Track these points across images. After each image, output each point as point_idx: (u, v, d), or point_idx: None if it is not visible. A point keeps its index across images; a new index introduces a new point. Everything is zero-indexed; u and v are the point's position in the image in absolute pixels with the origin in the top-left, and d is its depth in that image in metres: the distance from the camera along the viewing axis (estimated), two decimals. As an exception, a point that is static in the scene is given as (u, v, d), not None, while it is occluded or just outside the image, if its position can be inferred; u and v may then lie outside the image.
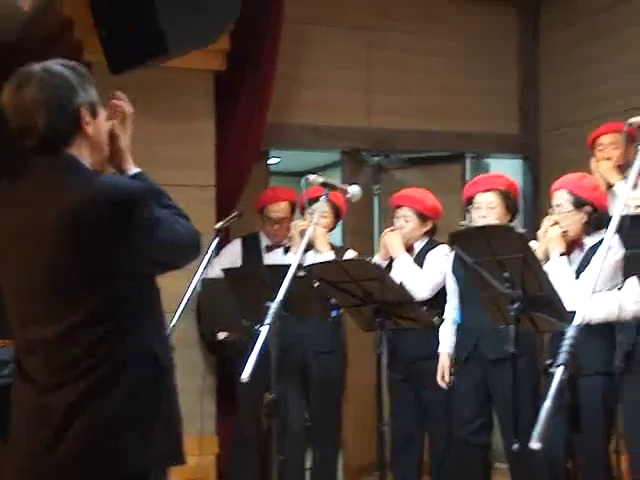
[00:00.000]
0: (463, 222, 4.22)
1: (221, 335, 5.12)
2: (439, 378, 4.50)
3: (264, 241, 5.28)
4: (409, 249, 4.74)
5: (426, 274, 4.62)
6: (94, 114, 2.26)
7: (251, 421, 4.86)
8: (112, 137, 2.34)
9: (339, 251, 4.96)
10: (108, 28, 4.87)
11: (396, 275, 4.51)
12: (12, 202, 2.25)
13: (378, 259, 4.80)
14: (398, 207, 4.79)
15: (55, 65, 2.24)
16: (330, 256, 4.77)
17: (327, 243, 4.87)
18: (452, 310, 4.54)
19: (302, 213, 5.01)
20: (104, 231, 2.13)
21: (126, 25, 4.77)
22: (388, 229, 4.76)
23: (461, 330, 4.46)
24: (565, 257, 3.94)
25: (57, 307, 2.18)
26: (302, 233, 4.81)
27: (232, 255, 5.21)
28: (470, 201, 4.45)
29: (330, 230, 5.08)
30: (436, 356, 4.55)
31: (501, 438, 4.46)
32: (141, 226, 2.17)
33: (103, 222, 2.13)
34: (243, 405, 5.04)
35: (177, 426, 2.31)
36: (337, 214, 5.03)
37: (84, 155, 2.24)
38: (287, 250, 5.12)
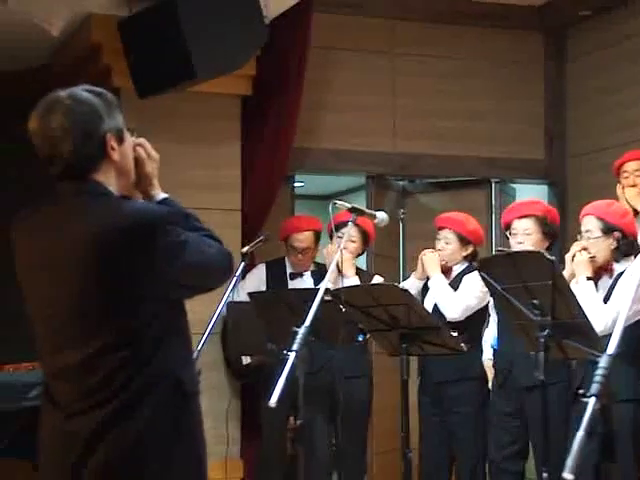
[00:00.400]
0: (500, 248, 4.21)
1: (245, 359, 5.12)
2: (489, 375, 4.49)
3: (289, 268, 5.28)
4: (447, 271, 4.75)
5: (459, 296, 4.61)
6: (120, 140, 2.27)
7: (275, 446, 4.84)
8: (138, 162, 2.34)
9: (366, 276, 4.96)
10: (136, 53, 4.92)
11: (430, 295, 4.52)
12: (39, 229, 2.26)
13: (414, 278, 4.79)
14: (440, 229, 4.80)
15: (82, 92, 2.25)
16: (356, 281, 4.77)
17: (353, 267, 4.87)
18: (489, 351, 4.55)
19: (330, 237, 5.02)
20: (127, 258, 2.14)
21: (154, 50, 4.82)
22: (428, 249, 4.76)
23: (496, 355, 4.45)
24: (592, 282, 3.92)
25: (80, 334, 2.18)
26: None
27: (257, 280, 5.21)
28: (508, 227, 4.44)
29: (358, 255, 5.09)
30: (465, 379, 4.55)
31: (534, 466, 4.42)
32: (165, 251, 2.16)
33: (125, 249, 2.14)
34: (268, 430, 5.03)
35: (200, 454, 2.28)
36: (366, 239, 5.04)
37: (111, 181, 2.25)
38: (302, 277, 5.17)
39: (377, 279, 4.92)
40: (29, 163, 5.99)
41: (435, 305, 4.65)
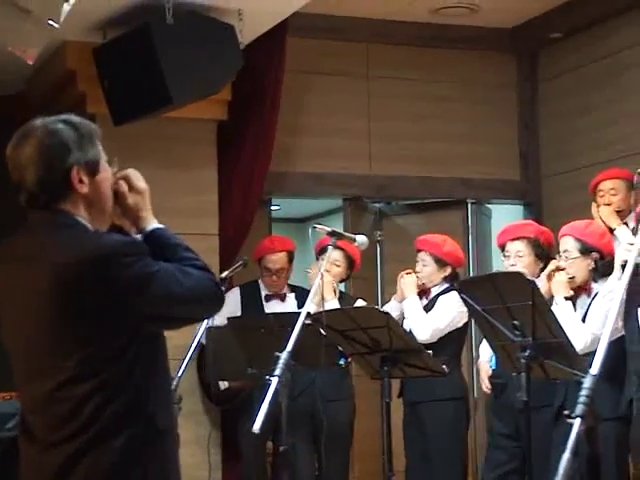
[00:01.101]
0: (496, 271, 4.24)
1: (223, 384, 5.09)
2: (483, 385, 4.51)
3: (263, 290, 5.27)
4: (426, 292, 4.77)
5: (430, 318, 4.63)
6: (93, 172, 2.22)
7: (256, 471, 4.81)
8: (119, 195, 2.31)
9: (348, 300, 4.96)
10: (111, 80, 4.92)
11: (407, 319, 4.55)
12: (9, 259, 2.25)
13: (395, 301, 4.81)
14: (419, 251, 4.83)
15: (56, 122, 2.22)
16: (335, 304, 4.77)
17: (333, 291, 4.87)
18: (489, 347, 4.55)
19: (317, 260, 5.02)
20: (84, 291, 2.11)
21: (129, 76, 4.82)
22: (404, 271, 4.79)
23: (493, 375, 4.46)
24: (570, 302, 3.94)
25: (46, 366, 2.16)
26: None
27: (232, 304, 5.17)
28: (503, 249, 4.47)
29: (343, 280, 5.10)
30: (438, 399, 4.56)
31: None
32: (128, 283, 2.12)
33: (82, 282, 2.11)
34: (248, 455, 5.00)
35: None
36: (351, 264, 5.05)
37: (80, 212, 2.22)
38: (284, 299, 5.18)
39: (360, 303, 4.94)
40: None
41: (411, 330, 4.67)
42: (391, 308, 4.72)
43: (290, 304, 5.20)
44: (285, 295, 5.26)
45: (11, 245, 2.27)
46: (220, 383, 5.08)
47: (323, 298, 4.53)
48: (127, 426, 2.13)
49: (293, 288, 5.33)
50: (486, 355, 4.62)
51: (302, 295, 5.19)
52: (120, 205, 2.32)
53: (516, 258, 4.37)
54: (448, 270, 4.80)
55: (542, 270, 4.29)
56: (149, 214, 2.33)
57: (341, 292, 5.03)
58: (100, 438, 2.12)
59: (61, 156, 2.18)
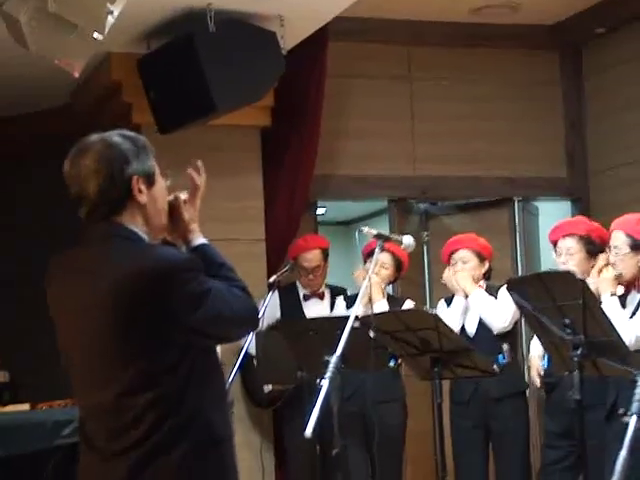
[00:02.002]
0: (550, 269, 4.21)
1: (267, 387, 5.12)
2: (534, 378, 4.48)
3: (301, 290, 5.28)
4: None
5: (503, 305, 4.59)
6: (149, 183, 2.28)
7: (307, 475, 4.82)
8: (173, 208, 2.36)
9: (396, 302, 4.96)
10: (156, 90, 4.97)
11: (473, 310, 4.52)
12: (67, 274, 2.29)
13: (459, 297, 4.73)
14: (453, 252, 4.79)
15: (113, 135, 2.29)
16: (384, 305, 4.77)
17: (382, 293, 4.87)
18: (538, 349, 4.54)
19: (365, 263, 5.02)
20: (143, 305, 2.15)
21: (173, 86, 4.87)
22: (451, 270, 4.74)
23: (545, 374, 4.44)
24: (616, 298, 3.89)
25: (106, 376, 2.20)
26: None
27: (271, 307, 5.18)
28: (555, 246, 4.43)
29: (391, 282, 5.09)
30: (503, 396, 4.53)
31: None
32: (183, 300, 2.16)
33: (142, 296, 2.15)
34: (296, 459, 5.03)
35: None
36: (399, 267, 5.04)
37: (138, 223, 2.27)
38: (322, 298, 5.21)
39: (408, 303, 4.93)
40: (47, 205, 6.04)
41: (481, 320, 4.64)
42: (457, 304, 4.70)
43: (324, 304, 5.22)
44: (323, 293, 5.28)
45: (70, 257, 2.31)
46: (265, 386, 5.11)
47: (371, 300, 4.54)
48: (187, 436, 2.16)
49: (330, 287, 5.36)
50: (538, 350, 4.58)
51: (338, 294, 5.22)
52: (173, 218, 2.36)
53: (567, 255, 4.32)
54: (487, 265, 4.79)
55: (593, 267, 4.25)
56: (197, 228, 2.38)
57: (389, 294, 5.02)
58: (161, 449, 2.15)
59: (120, 166, 2.23)
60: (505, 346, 4.60)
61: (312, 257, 5.19)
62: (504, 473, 4.71)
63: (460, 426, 4.73)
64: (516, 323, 4.73)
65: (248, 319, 2.31)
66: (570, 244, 4.32)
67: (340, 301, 5.09)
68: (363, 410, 4.69)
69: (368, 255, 4.91)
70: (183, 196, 2.37)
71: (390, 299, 4.97)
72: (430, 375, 3.86)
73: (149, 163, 2.29)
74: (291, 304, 5.23)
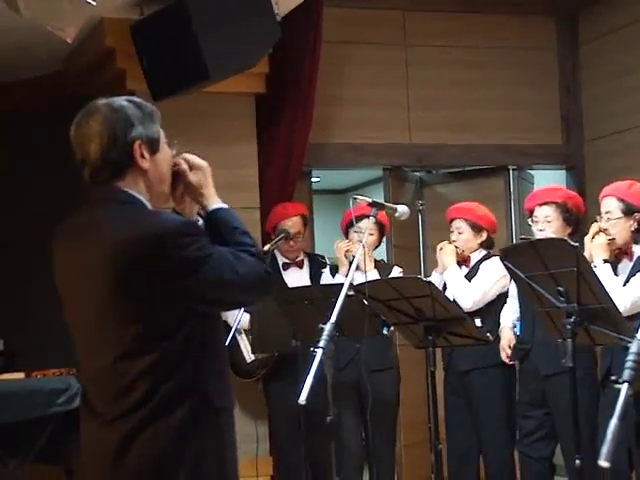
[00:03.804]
0: (523, 236, 4.21)
1: (249, 357, 5.12)
2: (502, 353, 4.49)
3: (280, 259, 5.28)
4: (466, 260, 4.76)
5: (473, 286, 4.62)
6: (153, 150, 2.27)
7: (294, 443, 4.84)
8: (180, 174, 2.33)
9: (385, 267, 4.96)
10: (149, 56, 4.93)
11: (449, 288, 4.54)
12: (71, 237, 2.29)
13: (436, 273, 4.80)
14: (452, 220, 4.82)
15: (119, 100, 2.28)
16: (374, 274, 4.77)
17: (371, 261, 4.87)
18: (511, 314, 4.53)
19: (346, 233, 5.02)
20: (140, 270, 2.14)
21: (167, 52, 4.83)
22: (442, 243, 4.78)
23: (517, 342, 4.46)
24: (609, 265, 3.90)
25: (105, 340, 2.21)
26: (346, 253, 4.83)
27: None
28: (531, 214, 4.44)
29: (376, 247, 5.09)
30: (489, 366, 4.55)
31: (561, 452, 4.42)
32: (179, 264, 2.15)
33: (138, 261, 2.14)
34: (279, 425, 5.07)
35: (227, 469, 2.26)
36: (382, 231, 5.05)
37: (140, 189, 2.26)
38: (301, 266, 5.19)
39: (396, 269, 4.95)
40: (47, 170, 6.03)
41: (454, 299, 4.66)
42: (433, 281, 4.71)
43: (303, 272, 5.20)
44: (303, 261, 5.27)
45: (73, 222, 2.31)
46: (246, 355, 5.11)
47: (361, 268, 4.54)
48: (182, 404, 2.17)
49: (309, 255, 5.36)
50: (509, 321, 4.59)
51: (316, 261, 5.22)
52: (182, 184, 2.34)
53: (545, 223, 4.35)
54: (484, 235, 4.80)
55: (571, 235, 4.27)
56: (212, 192, 2.35)
57: (376, 260, 5.02)
58: (156, 415, 2.15)
59: (124, 129, 2.22)
60: (477, 321, 4.57)
61: (292, 224, 5.17)
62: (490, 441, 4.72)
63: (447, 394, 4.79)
64: (500, 298, 4.71)
65: (256, 283, 2.27)
66: (548, 212, 4.35)
67: (326, 274, 5.07)
68: (358, 378, 4.71)
69: (347, 226, 4.92)
70: (184, 165, 2.35)
71: (379, 265, 4.97)
72: (424, 343, 3.87)
73: (154, 129, 2.28)
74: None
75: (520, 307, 4.49)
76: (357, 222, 4.70)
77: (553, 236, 4.22)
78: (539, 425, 4.39)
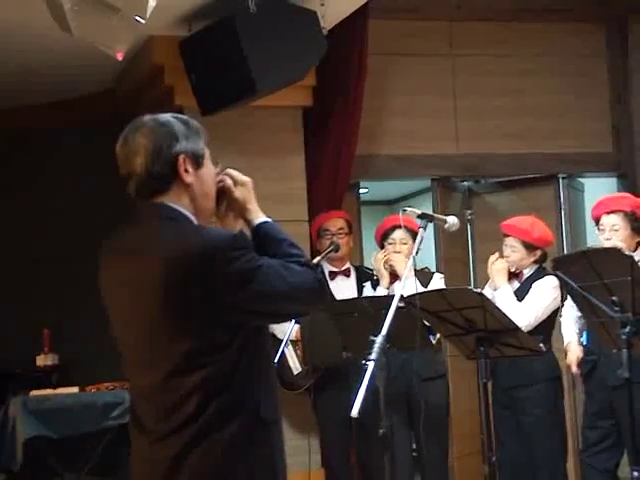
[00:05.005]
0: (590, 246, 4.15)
1: (296, 369, 5.12)
2: (572, 367, 4.43)
3: (326, 268, 5.27)
4: (517, 275, 4.70)
5: (524, 309, 4.55)
6: (197, 165, 2.27)
7: (344, 455, 4.83)
8: (225, 190, 2.34)
9: (425, 275, 4.92)
10: (197, 72, 4.98)
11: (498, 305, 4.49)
12: (117, 252, 2.30)
13: (488, 288, 4.74)
14: (506, 236, 4.74)
15: (165, 116, 2.30)
16: (412, 282, 4.71)
17: (410, 269, 4.82)
18: (573, 324, 4.47)
19: (381, 245, 4.99)
20: (190, 286, 2.14)
21: (215, 68, 4.88)
22: (494, 257, 4.71)
23: (585, 352, 4.39)
24: None
25: (155, 356, 2.21)
26: (384, 264, 4.81)
27: None
28: (598, 222, 4.38)
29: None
30: (536, 382, 4.51)
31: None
32: (229, 277, 2.14)
33: (188, 277, 2.14)
34: (329, 437, 5.06)
35: None
36: (415, 239, 5.00)
37: (185, 204, 2.26)
38: (348, 275, 5.19)
39: (437, 276, 4.91)
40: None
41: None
42: (485, 294, 4.67)
43: (350, 281, 5.19)
44: (349, 270, 5.25)
45: (119, 237, 2.32)
46: (292, 367, 5.11)
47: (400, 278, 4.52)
48: (233, 419, 2.16)
49: (356, 268, 5.35)
50: (573, 336, 4.52)
51: (363, 273, 5.20)
52: (227, 200, 2.35)
53: (612, 232, 4.27)
54: (538, 254, 4.71)
55: (639, 244, 4.19)
56: (256, 207, 2.36)
57: (416, 269, 4.99)
58: (207, 431, 2.15)
59: (169, 143, 2.23)
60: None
61: (335, 222, 5.22)
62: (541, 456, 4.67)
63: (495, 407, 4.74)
64: (555, 312, 4.65)
65: (308, 293, 2.25)
66: (615, 220, 4.27)
67: (367, 288, 5.06)
68: (407, 389, 4.69)
69: (383, 237, 4.90)
70: (229, 181, 2.37)
71: (419, 273, 4.94)
72: (476, 354, 3.84)
73: (199, 145, 2.29)
74: None
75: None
76: (391, 234, 4.69)
77: (621, 245, 4.14)
78: (605, 435, 4.32)
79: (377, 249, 5.04)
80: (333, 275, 5.26)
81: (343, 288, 5.16)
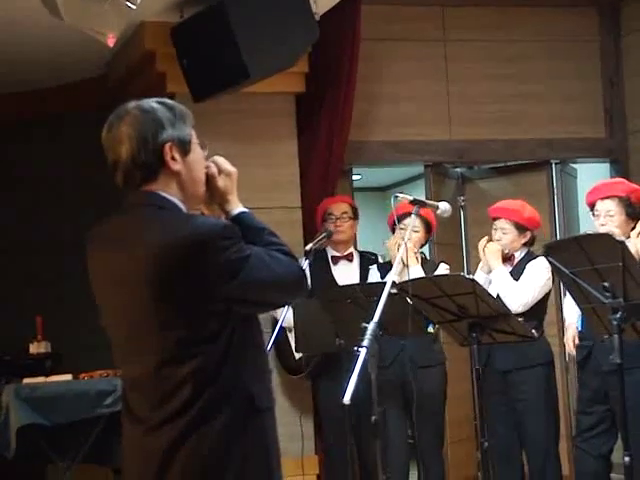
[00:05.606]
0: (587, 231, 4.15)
1: (297, 354, 5.13)
2: (567, 347, 4.44)
3: (329, 252, 5.27)
4: (509, 258, 4.71)
5: (522, 287, 4.56)
6: (185, 152, 2.25)
7: (341, 442, 4.84)
8: (208, 178, 2.33)
9: (430, 265, 4.93)
10: (189, 58, 4.96)
11: (494, 287, 4.49)
12: (106, 242, 2.29)
13: (480, 271, 4.75)
14: (496, 219, 4.75)
15: (150, 102, 2.27)
16: (419, 271, 4.74)
17: (416, 258, 4.85)
18: (574, 308, 4.50)
19: (392, 231, 5.00)
20: (180, 274, 2.14)
21: (207, 54, 4.86)
22: (484, 240, 4.72)
23: (580, 337, 4.41)
24: None
25: (144, 347, 2.20)
26: (398, 249, 4.81)
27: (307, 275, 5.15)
28: (592, 208, 4.37)
29: (422, 245, 5.07)
30: (532, 365, 4.52)
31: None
32: (220, 267, 2.14)
33: (178, 266, 2.14)
34: (329, 424, 5.07)
35: (272, 469, 2.26)
36: (428, 229, 5.01)
37: (173, 191, 2.25)
38: (351, 260, 5.20)
39: (442, 266, 4.91)
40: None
41: (499, 296, 4.62)
42: (478, 279, 4.67)
43: (353, 266, 5.21)
44: (352, 255, 5.26)
45: (107, 227, 2.31)
46: (295, 353, 5.13)
47: (407, 266, 4.53)
48: (227, 406, 2.16)
49: (360, 253, 5.36)
50: (573, 317, 4.55)
51: (367, 259, 5.21)
52: (209, 188, 2.33)
53: (606, 217, 4.26)
54: (528, 235, 4.72)
55: (633, 229, 4.19)
56: (235, 198, 2.35)
57: (423, 258, 5.00)
58: (201, 418, 2.15)
59: (154, 131, 2.21)
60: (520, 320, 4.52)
61: (339, 206, 5.25)
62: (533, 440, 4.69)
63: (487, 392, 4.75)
64: (546, 296, 4.67)
65: (293, 282, 2.28)
66: (610, 206, 4.26)
67: (374, 271, 5.06)
68: (403, 376, 4.70)
69: (394, 223, 4.90)
70: (214, 168, 2.35)
71: (425, 262, 4.94)
72: (468, 341, 3.85)
73: (185, 131, 2.26)
74: (320, 267, 5.21)
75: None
76: (401, 220, 4.68)
77: (616, 231, 4.14)
78: (599, 420, 4.33)
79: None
80: (336, 260, 5.26)
81: (345, 273, 5.17)
